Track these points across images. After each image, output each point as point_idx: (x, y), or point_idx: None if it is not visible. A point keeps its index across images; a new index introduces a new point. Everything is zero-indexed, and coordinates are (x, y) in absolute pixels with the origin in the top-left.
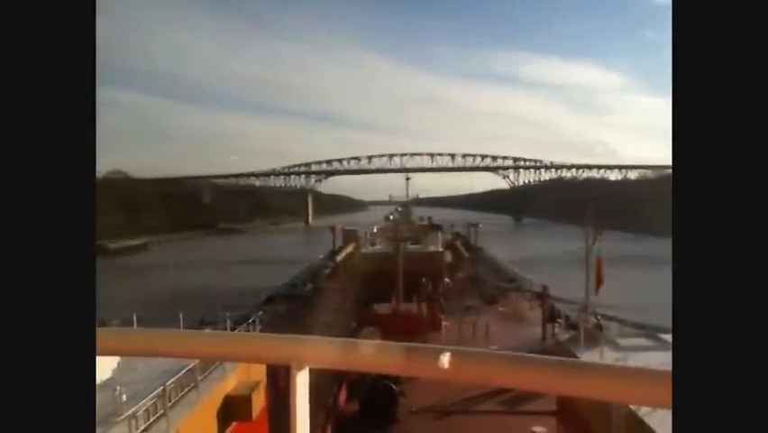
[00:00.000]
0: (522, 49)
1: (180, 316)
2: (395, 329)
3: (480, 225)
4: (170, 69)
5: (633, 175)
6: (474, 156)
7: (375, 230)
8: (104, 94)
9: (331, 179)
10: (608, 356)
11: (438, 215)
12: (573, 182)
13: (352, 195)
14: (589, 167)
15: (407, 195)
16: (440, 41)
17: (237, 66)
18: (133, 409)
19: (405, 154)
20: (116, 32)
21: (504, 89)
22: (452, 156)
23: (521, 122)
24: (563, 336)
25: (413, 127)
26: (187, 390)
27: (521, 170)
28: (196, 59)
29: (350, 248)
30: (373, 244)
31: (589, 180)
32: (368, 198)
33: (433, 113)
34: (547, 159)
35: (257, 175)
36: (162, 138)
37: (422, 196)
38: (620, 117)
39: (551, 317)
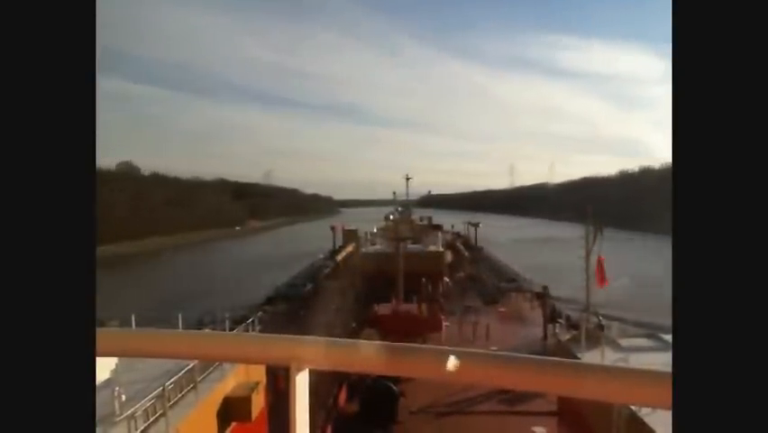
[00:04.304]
0: (560, 32)
1: (179, 316)
2: (395, 329)
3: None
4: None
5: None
6: None
7: (375, 230)
8: (102, 84)
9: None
10: (608, 357)
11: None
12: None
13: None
14: None
15: (407, 194)
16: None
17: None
18: (131, 410)
19: None
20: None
21: (540, 77)
22: None
23: (557, 113)
24: (565, 336)
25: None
26: (186, 390)
27: None
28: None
29: (350, 248)
30: (373, 244)
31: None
32: (342, 194)
33: (465, 104)
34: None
35: None
36: (166, 133)
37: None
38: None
39: (552, 317)
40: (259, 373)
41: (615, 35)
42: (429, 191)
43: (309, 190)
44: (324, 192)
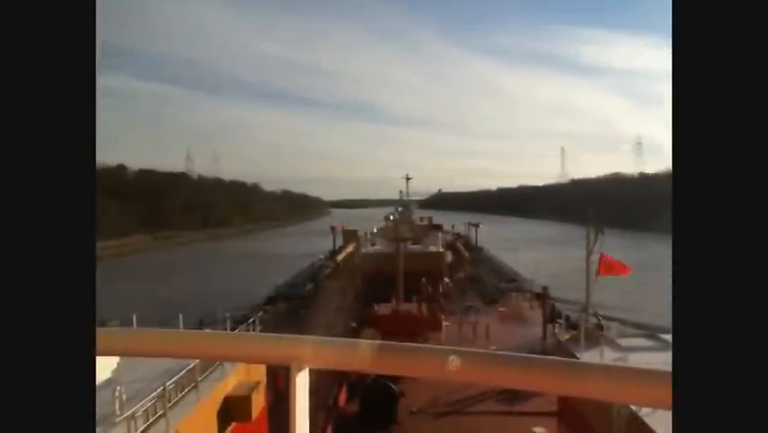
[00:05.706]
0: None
1: (180, 316)
2: (395, 329)
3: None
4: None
5: None
6: None
7: (375, 230)
8: (104, 81)
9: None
10: (607, 356)
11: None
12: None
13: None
14: None
15: (407, 194)
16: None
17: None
18: (131, 411)
19: None
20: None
21: (561, 73)
22: None
23: (577, 112)
24: (564, 336)
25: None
26: (186, 390)
27: None
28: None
29: (350, 248)
30: (373, 244)
31: None
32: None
33: (481, 102)
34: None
35: None
36: (167, 132)
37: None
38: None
39: (551, 317)
40: (259, 373)
41: (636, 29)
42: (439, 190)
43: (273, 187)
44: (299, 189)
